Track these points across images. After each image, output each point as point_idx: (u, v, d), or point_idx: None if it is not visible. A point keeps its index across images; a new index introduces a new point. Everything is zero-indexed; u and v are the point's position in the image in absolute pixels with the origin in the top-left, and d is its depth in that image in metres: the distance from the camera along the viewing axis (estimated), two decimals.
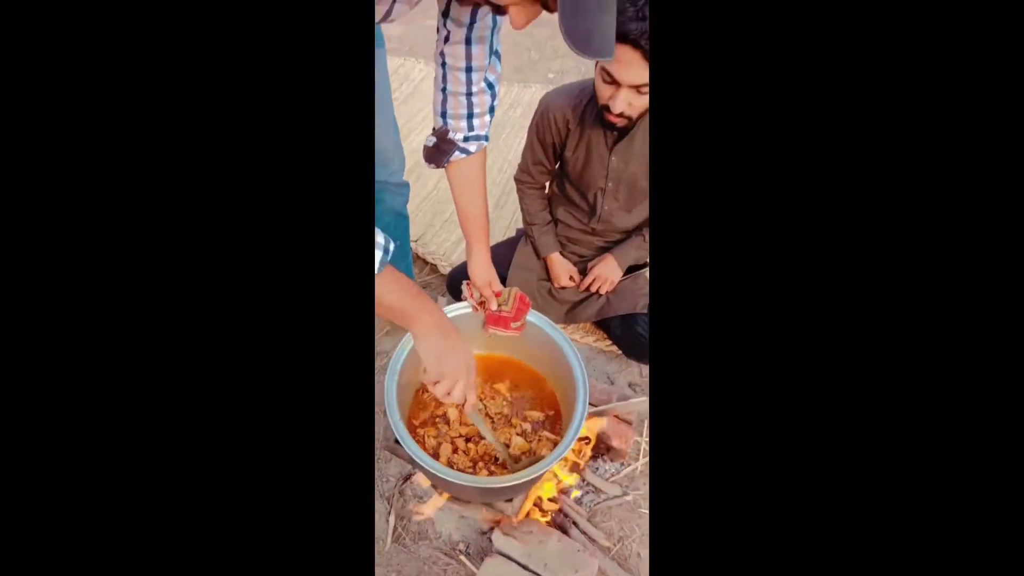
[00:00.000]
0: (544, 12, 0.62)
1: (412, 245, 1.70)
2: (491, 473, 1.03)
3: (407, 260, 1.37)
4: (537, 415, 1.14)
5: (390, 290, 0.73)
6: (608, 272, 1.38)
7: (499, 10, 0.66)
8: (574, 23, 0.55)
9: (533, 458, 1.03)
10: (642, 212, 1.36)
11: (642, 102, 1.07)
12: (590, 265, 1.41)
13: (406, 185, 1.23)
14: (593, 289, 1.40)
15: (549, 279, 1.46)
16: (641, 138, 1.21)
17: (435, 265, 1.69)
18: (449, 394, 0.84)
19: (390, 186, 1.18)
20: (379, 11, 0.70)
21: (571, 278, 1.43)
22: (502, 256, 1.46)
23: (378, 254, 0.67)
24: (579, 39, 0.56)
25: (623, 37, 0.93)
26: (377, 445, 1.22)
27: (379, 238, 0.68)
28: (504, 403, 1.15)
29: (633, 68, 0.99)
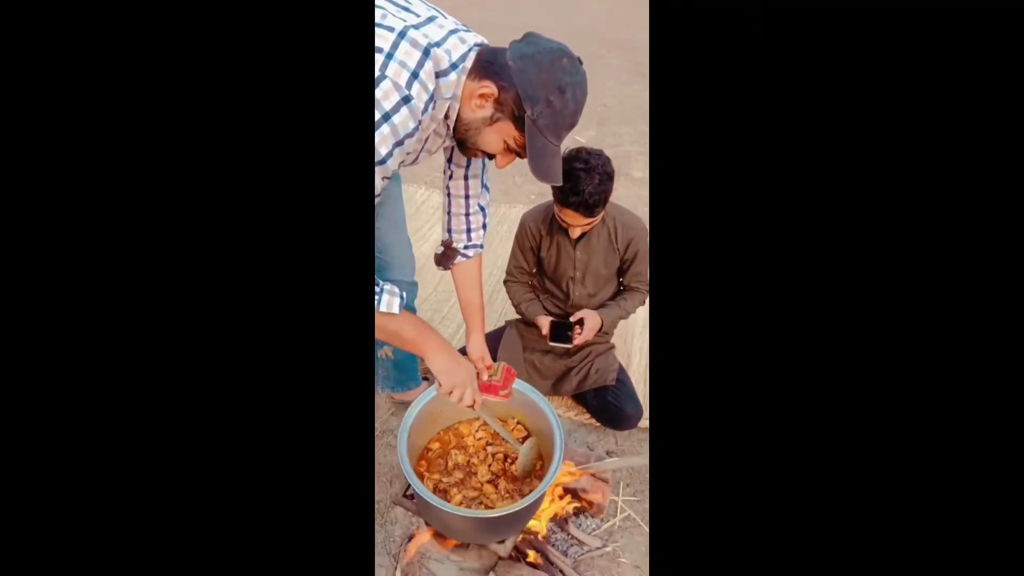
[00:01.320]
0: (517, 158, 0.97)
1: None
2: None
3: None
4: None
5: (407, 326, 1.03)
6: (592, 319, 1.60)
7: (489, 156, 1.01)
8: (537, 164, 0.93)
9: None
10: (604, 294, 1.67)
11: (589, 224, 1.48)
12: (576, 315, 1.64)
13: (415, 284, 1.53)
14: (581, 331, 1.59)
15: (534, 352, 1.71)
16: (595, 235, 1.56)
17: None
18: (461, 399, 1.10)
19: (403, 284, 1.48)
20: (409, 159, 1.05)
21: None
22: (492, 342, 1.73)
23: (396, 299, 0.97)
24: (541, 172, 0.93)
25: (566, 203, 1.39)
26: (388, 501, 1.39)
27: (396, 288, 0.99)
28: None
29: (577, 219, 1.44)
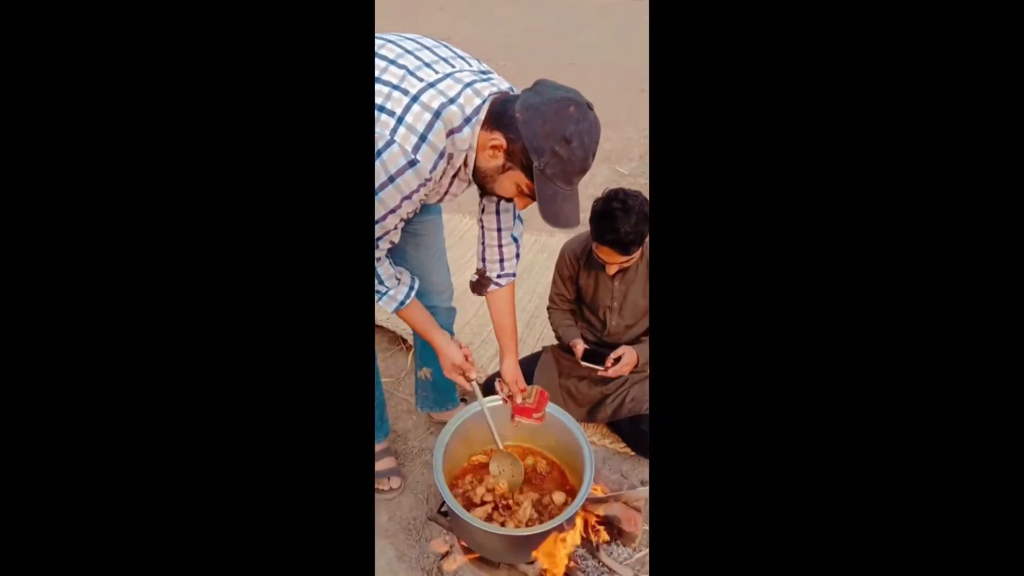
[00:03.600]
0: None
1: None
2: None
3: None
4: (561, 497, 1.36)
5: (418, 316, 1.26)
6: (628, 362, 1.62)
7: (507, 199, 1.08)
8: (547, 208, 0.98)
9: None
10: (642, 325, 1.68)
11: (627, 261, 1.52)
12: (615, 352, 1.67)
13: (454, 309, 1.61)
14: (615, 364, 1.60)
15: (570, 378, 1.74)
16: (633, 266, 1.59)
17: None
18: (453, 367, 1.28)
19: (441, 310, 1.55)
20: (432, 199, 1.15)
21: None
22: (529, 366, 1.78)
23: (404, 290, 1.18)
24: (551, 217, 0.99)
25: (602, 241, 1.45)
26: (424, 518, 1.44)
27: (406, 277, 1.15)
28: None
29: (614, 257, 1.48)
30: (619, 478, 1.55)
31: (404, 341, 2.06)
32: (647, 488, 1.45)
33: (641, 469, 1.66)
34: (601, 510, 1.41)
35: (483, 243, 1.35)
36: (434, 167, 0.98)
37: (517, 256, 1.37)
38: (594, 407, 1.72)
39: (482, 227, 1.33)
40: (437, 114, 0.96)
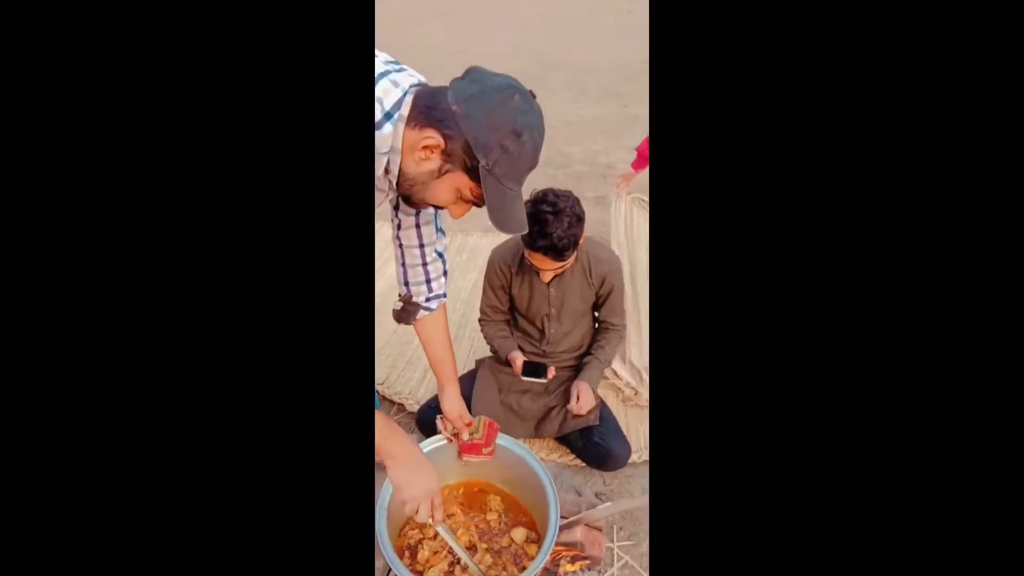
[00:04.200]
0: (474, 207, 0.88)
1: (378, 388, 1.83)
2: None
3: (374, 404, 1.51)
4: (521, 533, 1.23)
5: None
6: (588, 400, 1.53)
7: (439, 208, 0.92)
8: (497, 214, 0.83)
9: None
10: (580, 330, 1.59)
11: (560, 268, 1.42)
12: (573, 392, 1.55)
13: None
14: (580, 412, 1.51)
15: (510, 393, 1.62)
16: (569, 271, 1.49)
17: (402, 404, 1.81)
18: (417, 513, 0.97)
19: None
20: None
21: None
22: (464, 387, 1.63)
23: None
24: (502, 224, 0.84)
25: (534, 248, 1.32)
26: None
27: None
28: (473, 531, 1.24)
29: (547, 263, 1.37)
30: (574, 497, 1.46)
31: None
32: (607, 505, 1.37)
33: (594, 480, 1.59)
34: (563, 537, 1.31)
35: (403, 264, 1.16)
36: None
37: (445, 274, 1.20)
38: (540, 421, 1.62)
39: (400, 246, 1.14)
40: None
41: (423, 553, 1.14)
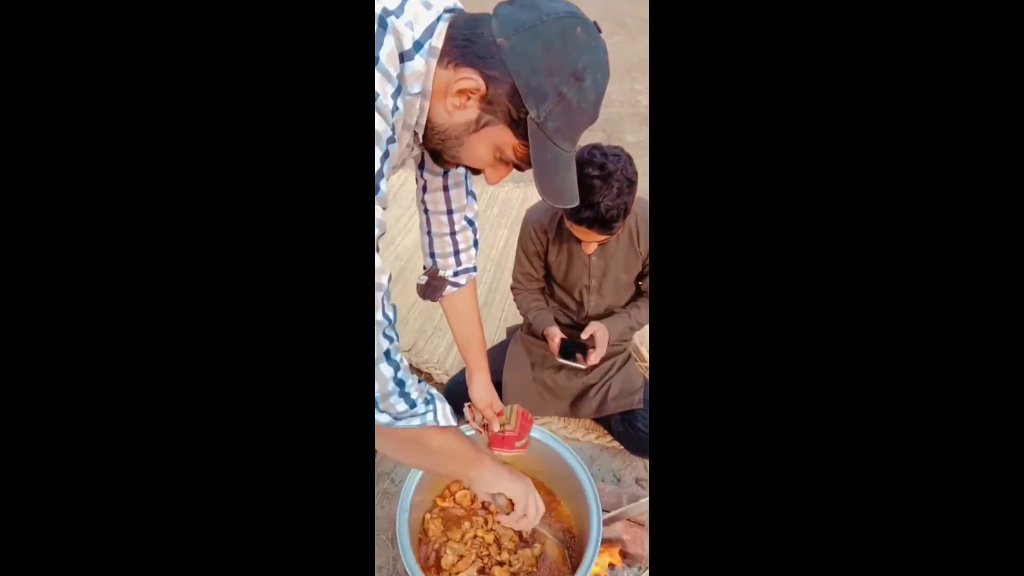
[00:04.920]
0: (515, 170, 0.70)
1: (406, 356, 1.72)
2: None
3: None
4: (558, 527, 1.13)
5: (453, 444, 0.79)
6: (601, 348, 1.36)
7: (474, 171, 0.74)
8: (547, 182, 0.66)
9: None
10: (622, 304, 1.42)
11: (606, 240, 1.22)
12: (586, 334, 1.39)
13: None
14: (591, 363, 1.37)
15: (545, 369, 1.48)
16: (614, 240, 1.30)
17: (430, 374, 1.70)
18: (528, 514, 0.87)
19: None
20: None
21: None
22: (494, 359, 1.49)
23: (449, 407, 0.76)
24: (551, 195, 0.67)
25: (578, 220, 1.13)
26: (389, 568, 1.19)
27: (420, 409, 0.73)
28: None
29: (592, 235, 1.18)
30: (613, 487, 1.34)
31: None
32: (648, 499, 1.25)
33: (635, 465, 1.46)
34: (603, 533, 1.20)
35: (429, 232, 0.99)
36: (395, 108, 0.61)
37: (475, 244, 1.03)
38: (576, 400, 1.48)
39: (426, 211, 0.97)
40: (382, 23, 0.59)
41: (448, 559, 1.04)
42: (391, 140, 0.63)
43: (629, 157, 1.15)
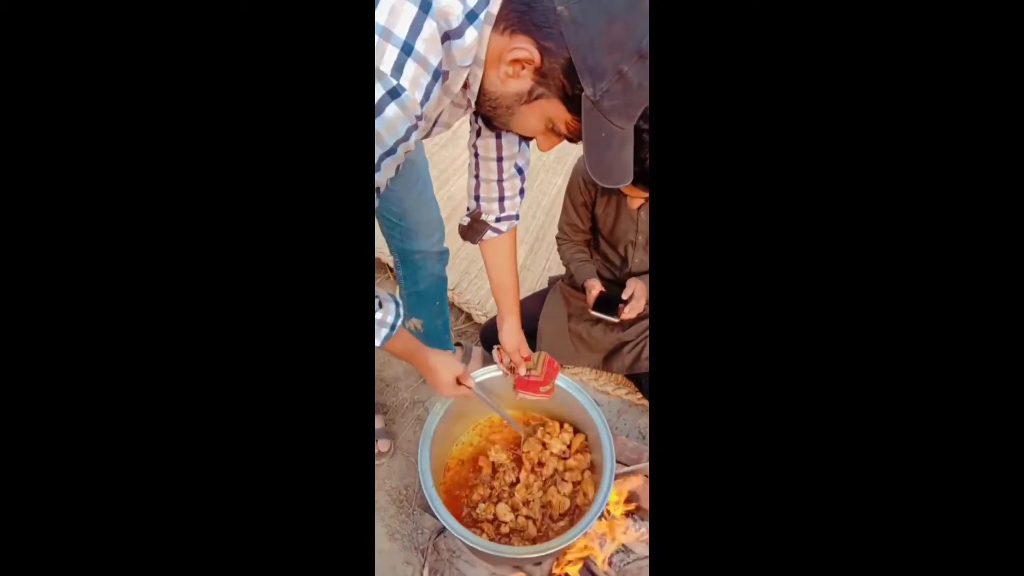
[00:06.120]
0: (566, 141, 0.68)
1: (448, 294, 1.76)
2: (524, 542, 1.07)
3: (444, 316, 1.44)
4: (567, 437, 1.18)
5: (399, 342, 0.92)
6: (640, 302, 1.35)
7: (525, 139, 0.72)
8: (597, 161, 0.64)
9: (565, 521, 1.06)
10: None
11: None
12: (627, 291, 1.38)
13: (446, 251, 1.30)
14: (627, 317, 1.37)
15: (581, 321, 1.48)
16: None
17: (470, 314, 1.75)
18: (448, 386, 1.01)
19: (431, 255, 1.25)
20: (423, 129, 0.78)
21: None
22: (533, 307, 1.51)
23: (383, 330, 0.86)
24: (601, 174, 0.65)
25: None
26: (413, 502, 1.28)
27: (389, 316, 0.85)
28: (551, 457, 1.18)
29: (636, 191, 1.21)
30: (637, 444, 1.36)
31: (390, 269, 1.77)
32: None
33: None
34: (624, 486, 1.23)
35: (477, 176, 0.99)
36: (427, 96, 0.61)
37: (521, 192, 1.03)
38: (610, 354, 1.49)
39: (476, 155, 0.97)
40: (424, 7, 0.58)
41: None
42: (407, 135, 0.62)
43: None
